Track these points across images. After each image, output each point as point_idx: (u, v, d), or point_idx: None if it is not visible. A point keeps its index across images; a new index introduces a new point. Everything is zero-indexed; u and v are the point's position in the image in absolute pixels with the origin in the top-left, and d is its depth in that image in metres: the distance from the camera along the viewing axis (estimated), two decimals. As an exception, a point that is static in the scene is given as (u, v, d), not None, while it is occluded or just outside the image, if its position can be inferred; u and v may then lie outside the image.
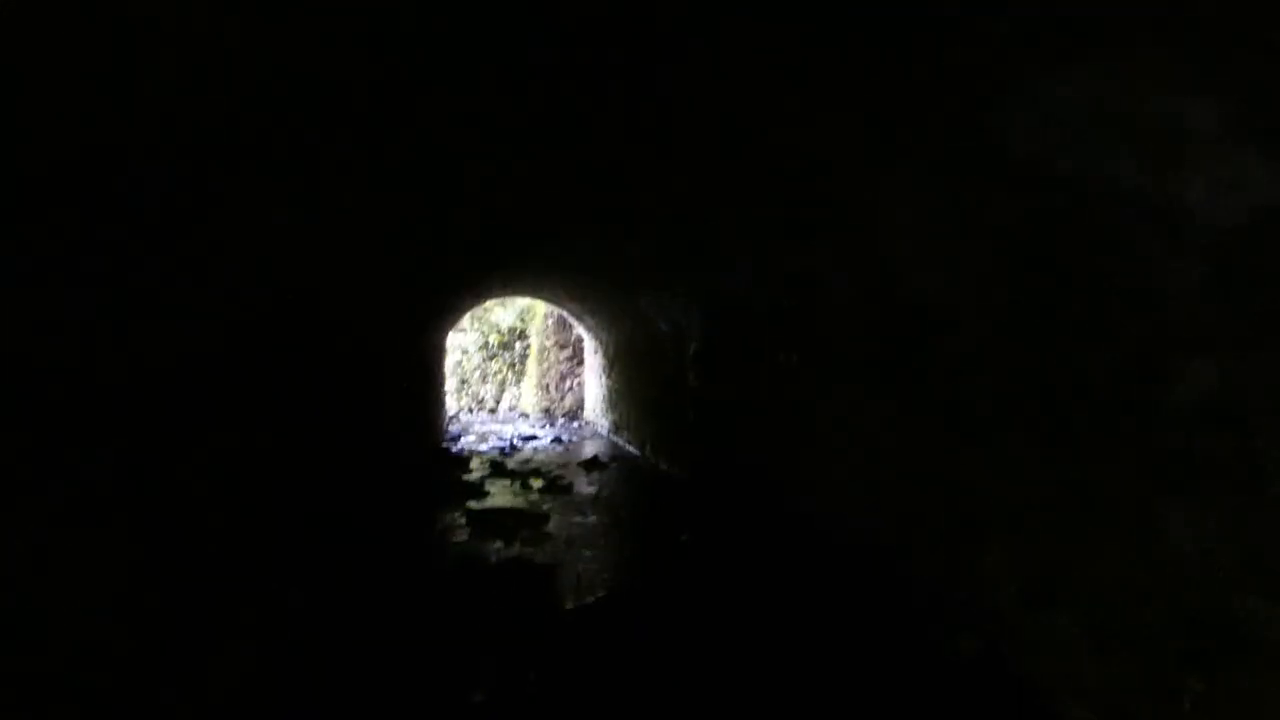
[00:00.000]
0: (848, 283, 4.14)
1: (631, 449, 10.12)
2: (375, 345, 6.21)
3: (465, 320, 17.45)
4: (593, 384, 13.45)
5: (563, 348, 15.22)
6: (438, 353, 10.62)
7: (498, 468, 8.27)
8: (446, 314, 9.62)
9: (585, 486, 7.39)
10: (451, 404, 16.93)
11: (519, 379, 16.72)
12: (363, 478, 5.69)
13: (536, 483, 7.46)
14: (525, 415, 15.57)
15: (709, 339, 6.89)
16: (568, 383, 15.19)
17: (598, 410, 12.90)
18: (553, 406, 15.27)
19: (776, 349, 5.35)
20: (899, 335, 3.74)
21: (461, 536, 5.33)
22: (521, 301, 16.70)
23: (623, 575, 4.42)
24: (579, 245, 6.58)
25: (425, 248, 5.70)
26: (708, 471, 7.01)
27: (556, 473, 8.13)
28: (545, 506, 6.40)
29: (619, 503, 6.54)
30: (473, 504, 6.51)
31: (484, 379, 17.10)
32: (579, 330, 13.94)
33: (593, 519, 5.91)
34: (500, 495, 6.91)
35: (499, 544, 5.11)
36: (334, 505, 4.91)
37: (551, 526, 5.62)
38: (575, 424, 13.82)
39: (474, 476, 7.87)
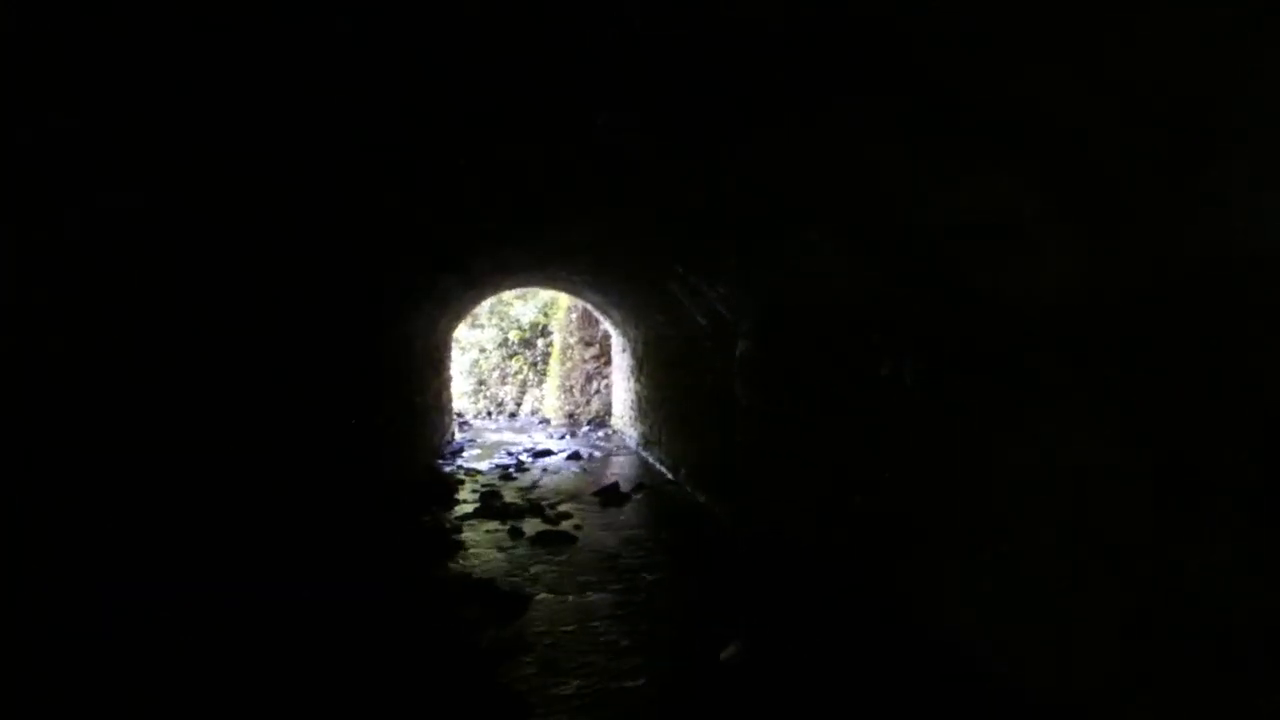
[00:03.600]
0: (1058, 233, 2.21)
1: (664, 470, 8.25)
2: (298, 339, 4.45)
3: (484, 315, 15.79)
4: (621, 387, 11.62)
5: (588, 345, 13.40)
6: (432, 353, 8.92)
7: (490, 500, 6.48)
8: (439, 306, 7.90)
9: (597, 532, 5.55)
10: (468, 407, 15.30)
11: (541, 380, 14.97)
12: (259, 529, 3.95)
13: (533, 525, 5.65)
14: (547, 421, 13.81)
15: (764, 338, 4.98)
16: (594, 385, 13.37)
17: (626, 418, 11.06)
18: (577, 411, 13.48)
19: (877, 356, 3.43)
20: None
21: (400, 634, 3.53)
22: (545, 294, 14.94)
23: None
24: (586, 223, 4.74)
25: (397, 225, 3.94)
26: (763, 514, 5.10)
27: (563, 508, 6.31)
28: (533, 570, 4.59)
29: (638, 566, 4.68)
30: (444, 561, 4.75)
31: (503, 380, 15.41)
32: (605, 325, 12.12)
33: (596, 598, 4.07)
34: (479, 548, 5.11)
35: (445, 655, 3.30)
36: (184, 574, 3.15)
37: (532, 618, 3.79)
38: (601, 433, 11.99)
39: (456, 514, 6.11)
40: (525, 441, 10.98)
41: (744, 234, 4.07)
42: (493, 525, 5.73)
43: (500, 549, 5.09)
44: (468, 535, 5.45)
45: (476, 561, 4.78)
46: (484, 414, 15.27)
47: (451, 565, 4.70)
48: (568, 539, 5.29)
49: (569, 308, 13.69)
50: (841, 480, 3.88)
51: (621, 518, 6.05)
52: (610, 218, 4.85)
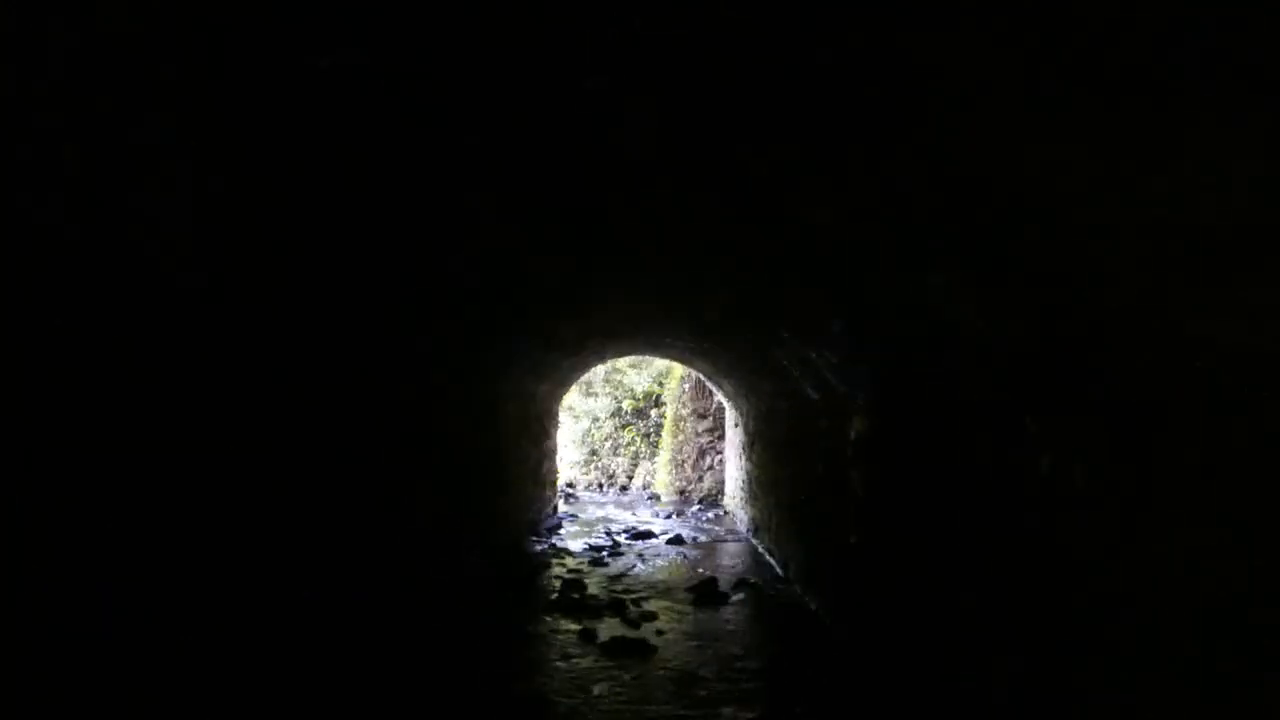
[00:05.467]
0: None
1: (773, 563, 7.25)
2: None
3: (598, 383, 15.51)
4: (733, 464, 10.73)
5: (701, 418, 12.66)
6: (531, 423, 8.55)
7: (570, 591, 5.81)
8: (530, 373, 7.53)
9: (681, 641, 4.70)
10: (579, 478, 14.89)
11: (653, 452, 14.33)
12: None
13: (609, 628, 4.90)
14: (656, 497, 13.07)
15: (884, 416, 4.08)
16: (706, 460, 12.54)
17: (738, 499, 10.12)
18: (688, 488, 12.66)
19: (1035, 447, 2.50)
20: None
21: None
22: (659, 363, 14.46)
23: None
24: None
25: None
26: (879, 637, 4.07)
27: (649, 606, 5.52)
28: (596, 691, 3.83)
29: (721, 696, 3.79)
30: (495, 669, 4.10)
31: (615, 450, 14.91)
32: (719, 397, 11.37)
33: (661, 742, 3.24)
34: (541, 654, 4.42)
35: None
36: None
37: (574, 763, 3.03)
38: (711, 513, 11.07)
39: (530, 605, 5.48)
40: (628, 519, 10.29)
41: (851, 283, 3.29)
42: (565, 624, 5.03)
43: (565, 657, 4.37)
44: (533, 633, 4.78)
45: (532, 672, 4.09)
46: (595, 485, 14.78)
47: (501, 674, 4.03)
48: (645, 649, 4.48)
49: (682, 377, 13.10)
50: (979, 614, 2.87)
51: (714, 624, 5.16)
52: (700, 271, 4.23)
